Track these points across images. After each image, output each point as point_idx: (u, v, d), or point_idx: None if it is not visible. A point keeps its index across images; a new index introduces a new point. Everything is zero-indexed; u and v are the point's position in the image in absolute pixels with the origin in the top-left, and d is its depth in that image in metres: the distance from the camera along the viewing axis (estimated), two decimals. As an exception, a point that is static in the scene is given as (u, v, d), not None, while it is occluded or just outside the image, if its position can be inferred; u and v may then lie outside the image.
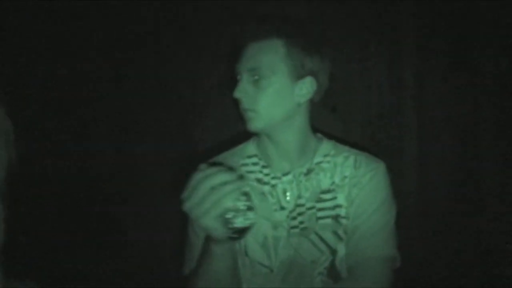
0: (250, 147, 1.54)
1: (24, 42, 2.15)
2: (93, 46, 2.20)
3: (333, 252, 1.43)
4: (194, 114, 2.23)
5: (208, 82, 2.21)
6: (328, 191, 1.46)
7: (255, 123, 1.41)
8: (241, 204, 1.09)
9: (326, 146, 1.51)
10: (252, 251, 1.46)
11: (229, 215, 1.09)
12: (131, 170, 2.24)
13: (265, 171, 1.49)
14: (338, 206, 1.45)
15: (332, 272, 1.43)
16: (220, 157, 1.54)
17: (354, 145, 1.57)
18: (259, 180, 1.49)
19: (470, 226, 2.13)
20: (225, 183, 1.09)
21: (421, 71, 2.17)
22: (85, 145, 2.23)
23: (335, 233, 1.44)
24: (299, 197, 1.46)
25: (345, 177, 1.46)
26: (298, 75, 1.40)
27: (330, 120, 2.18)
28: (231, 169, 1.14)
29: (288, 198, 1.46)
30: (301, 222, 1.45)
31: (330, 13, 2.17)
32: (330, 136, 1.57)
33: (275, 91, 1.39)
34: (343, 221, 1.44)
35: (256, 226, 1.38)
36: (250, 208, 1.10)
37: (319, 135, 1.54)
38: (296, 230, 1.44)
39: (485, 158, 2.14)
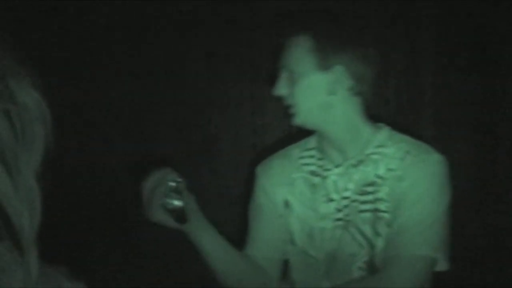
0: (311, 140, 1.57)
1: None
2: (105, 44, 2.20)
3: (372, 246, 1.41)
4: (209, 112, 2.23)
5: (223, 79, 2.22)
6: (372, 183, 1.44)
7: (297, 118, 1.45)
8: (168, 190, 1.29)
9: (382, 136, 1.48)
10: (299, 240, 1.50)
11: (163, 202, 1.29)
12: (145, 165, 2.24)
13: (320, 163, 1.51)
14: (379, 199, 1.42)
15: (371, 267, 1.41)
16: (285, 149, 1.61)
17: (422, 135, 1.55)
18: (312, 172, 1.52)
19: (488, 224, 2.12)
20: (158, 180, 1.30)
21: (438, 73, 2.11)
22: (99, 142, 2.23)
23: (374, 227, 1.41)
24: (346, 189, 1.46)
25: (390, 169, 1.43)
26: (327, 65, 1.41)
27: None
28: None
29: (337, 189, 1.47)
30: (346, 215, 1.44)
31: (341, 9, 2.16)
32: (396, 126, 1.54)
33: (307, 84, 1.42)
34: (384, 215, 1.41)
35: (304, 216, 1.48)
36: (178, 192, 1.30)
37: (380, 124, 1.52)
38: (341, 223, 1.45)
39: (502, 160, 2.13)
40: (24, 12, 2.13)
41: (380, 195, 1.42)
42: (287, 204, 1.53)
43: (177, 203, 1.30)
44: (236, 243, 1.52)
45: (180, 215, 1.31)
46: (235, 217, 2.00)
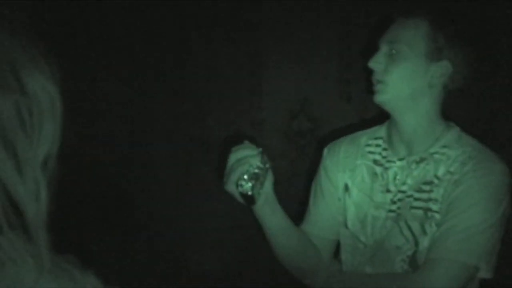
0: (381, 129, 1.59)
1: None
2: (109, 43, 2.21)
3: (416, 243, 1.43)
4: (209, 106, 2.23)
5: (223, 74, 2.22)
6: (429, 183, 1.44)
7: (382, 95, 1.44)
8: (247, 174, 1.30)
9: (450, 136, 1.48)
10: (352, 225, 1.54)
11: (240, 182, 1.31)
12: (146, 165, 2.25)
13: (384, 153, 1.54)
14: (432, 199, 1.43)
15: (413, 262, 1.44)
16: (354, 135, 1.63)
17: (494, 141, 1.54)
18: (375, 161, 1.54)
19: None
20: (246, 156, 1.30)
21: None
22: (104, 139, 2.24)
23: (422, 225, 1.43)
24: (404, 183, 1.48)
25: (449, 172, 1.43)
26: (435, 57, 1.42)
27: (344, 110, 2.18)
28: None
29: (396, 182, 1.49)
30: (399, 208, 1.47)
31: (343, 9, 2.17)
32: (470, 128, 1.55)
33: (409, 67, 1.42)
34: (435, 215, 1.42)
35: (361, 202, 1.53)
36: (254, 179, 1.31)
37: (451, 124, 1.51)
38: (393, 214, 1.47)
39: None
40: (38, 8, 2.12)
41: (434, 195, 1.43)
42: (346, 188, 1.57)
43: (247, 189, 1.31)
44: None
45: (248, 199, 1.34)
46: (233, 211, 2.01)
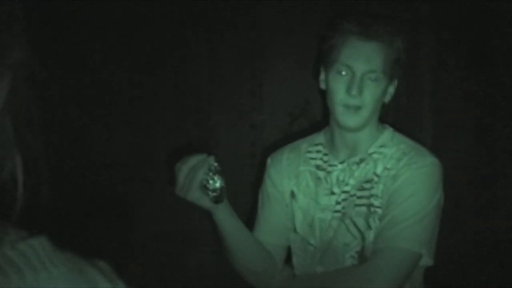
0: (319, 136, 1.67)
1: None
2: (107, 42, 2.21)
3: (363, 238, 1.51)
4: (209, 108, 2.24)
5: (223, 74, 2.22)
6: (370, 180, 1.53)
7: (358, 121, 1.50)
8: (210, 173, 1.38)
9: (385, 137, 1.57)
10: (301, 229, 1.61)
11: (203, 183, 1.38)
12: (145, 160, 2.24)
13: (325, 158, 1.61)
14: (373, 195, 1.51)
15: (362, 257, 1.51)
16: (295, 143, 1.70)
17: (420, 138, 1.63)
18: (318, 166, 1.62)
19: (484, 227, 2.11)
20: (197, 162, 1.38)
21: (437, 73, 2.11)
22: (102, 141, 2.24)
23: (367, 220, 1.51)
24: (346, 184, 1.55)
25: (386, 168, 1.52)
26: (394, 77, 1.53)
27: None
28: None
29: (339, 184, 1.56)
30: (343, 208, 1.55)
31: (341, 9, 2.16)
32: (397, 127, 1.63)
33: (381, 92, 1.50)
34: (377, 210, 1.50)
35: (307, 207, 1.59)
36: (218, 173, 1.38)
37: (385, 125, 1.61)
38: (339, 214, 1.55)
39: (501, 160, 2.14)
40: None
41: (375, 191, 1.52)
42: (292, 194, 1.64)
43: (219, 183, 1.39)
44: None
45: (219, 195, 1.40)
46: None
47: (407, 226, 1.44)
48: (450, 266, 2.07)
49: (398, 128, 1.65)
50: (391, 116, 2.15)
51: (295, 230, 1.62)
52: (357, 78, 1.47)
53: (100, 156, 2.23)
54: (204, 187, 1.39)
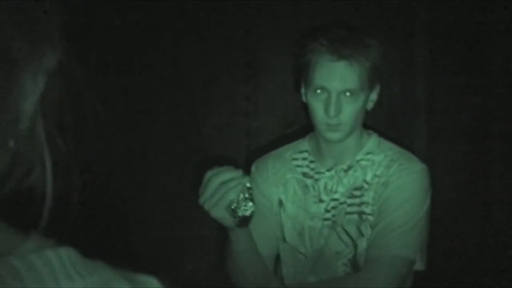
0: (304, 143, 1.64)
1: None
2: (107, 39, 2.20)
3: (355, 246, 1.50)
4: (204, 114, 2.24)
5: (219, 78, 2.22)
6: (360, 188, 1.52)
7: (341, 135, 1.48)
8: (243, 196, 1.27)
9: (372, 143, 1.56)
10: (290, 238, 1.58)
11: (233, 206, 1.27)
12: (142, 173, 2.25)
13: (312, 165, 1.59)
14: (364, 203, 1.50)
15: (354, 264, 1.50)
16: (278, 150, 1.67)
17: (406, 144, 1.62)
18: (304, 174, 1.59)
19: (478, 229, 2.12)
20: (231, 179, 1.27)
21: (432, 77, 2.14)
22: (98, 148, 2.24)
23: (358, 228, 1.50)
24: (335, 192, 1.54)
25: (376, 176, 1.51)
26: (374, 84, 1.51)
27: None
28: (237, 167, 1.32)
29: (328, 191, 1.54)
30: (334, 215, 1.53)
31: (336, 12, 2.17)
32: (381, 133, 1.62)
33: (361, 105, 1.48)
34: (369, 217, 1.49)
35: (296, 215, 1.57)
36: (250, 199, 1.28)
37: (370, 131, 1.60)
38: (329, 222, 1.53)
39: (494, 161, 2.14)
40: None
41: (365, 199, 1.51)
42: (281, 203, 1.61)
43: (250, 211, 1.29)
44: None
45: (246, 220, 1.31)
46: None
47: (400, 233, 1.44)
48: (444, 268, 2.06)
49: (393, 132, 1.64)
50: (385, 120, 2.16)
51: (284, 239, 1.59)
52: (333, 98, 1.44)
53: (94, 161, 2.23)
54: (232, 210, 1.28)
